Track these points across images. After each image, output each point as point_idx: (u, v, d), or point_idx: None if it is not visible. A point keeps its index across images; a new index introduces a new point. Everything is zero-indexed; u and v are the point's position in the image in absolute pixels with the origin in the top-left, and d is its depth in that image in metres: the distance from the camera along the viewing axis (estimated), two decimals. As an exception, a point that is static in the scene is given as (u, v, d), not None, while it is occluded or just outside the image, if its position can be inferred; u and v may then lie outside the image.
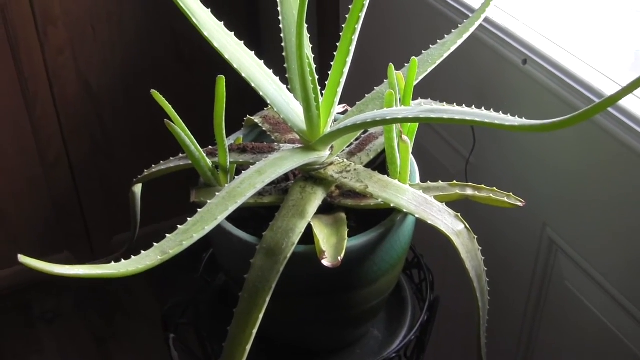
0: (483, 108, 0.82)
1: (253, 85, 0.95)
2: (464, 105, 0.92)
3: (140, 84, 1.95)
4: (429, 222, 0.93)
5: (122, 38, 1.92)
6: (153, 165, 1.11)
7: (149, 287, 2.20)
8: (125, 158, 2.06)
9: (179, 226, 0.83)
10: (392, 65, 0.94)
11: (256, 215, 1.03)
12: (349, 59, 0.93)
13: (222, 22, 0.95)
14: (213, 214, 0.85)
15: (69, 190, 2.07)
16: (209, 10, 0.93)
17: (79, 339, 2.12)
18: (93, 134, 2.01)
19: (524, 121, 0.72)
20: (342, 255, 0.88)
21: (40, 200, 2.05)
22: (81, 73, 1.91)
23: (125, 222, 1.19)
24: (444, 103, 1.15)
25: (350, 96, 1.11)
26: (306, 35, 1.01)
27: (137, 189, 1.14)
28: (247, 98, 0.96)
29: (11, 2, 1.75)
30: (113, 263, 0.76)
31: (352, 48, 0.93)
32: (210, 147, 1.06)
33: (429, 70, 1.05)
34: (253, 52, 0.98)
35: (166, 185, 1.52)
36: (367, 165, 1.05)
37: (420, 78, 1.05)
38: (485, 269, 0.96)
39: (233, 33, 0.96)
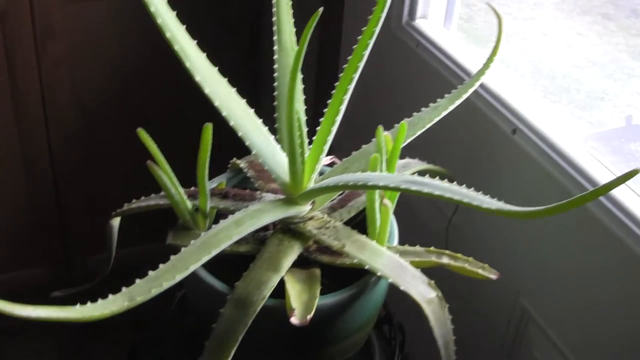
0: (468, 176, 0.82)
1: (240, 134, 0.95)
2: (453, 174, 0.92)
3: (134, 108, 1.95)
4: (402, 287, 0.92)
5: (121, 59, 1.92)
6: (134, 200, 1.10)
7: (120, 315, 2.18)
8: (112, 180, 2.05)
9: (149, 272, 0.83)
10: (380, 128, 0.94)
11: (231, 262, 1.02)
12: (339, 118, 0.94)
13: (217, 68, 0.95)
14: (185, 263, 0.85)
15: (51, 206, 2.05)
16: (204, 55, 0.93)
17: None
18: (82, 153, 2.00)
19: (501, 205, 0.72)
20: (312, 314, 0.88)
21: (21, 213, 2.04)
22: (76, 91, 1.90)
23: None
24: (430, 165, 1.16)
25: (342, 145, 1.11)
26: (299, 88, 1.02)
27: (115, 222, 1.14)
28: (237, 139, 0.96)
29: (13, 11, 1.74)
30: (79, 306, 0.75)
31: (343, 107, 0.93)
32: (193, 188, 1.05)
33: (418, 133, 1.06)
34: (244, 100, 0.98)
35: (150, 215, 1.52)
36: (348, 222, 1.05)
37: (409, 140, 1.05)
38: (454, 337, 0.95)
39: (227, 79, 0.96)
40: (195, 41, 0.92)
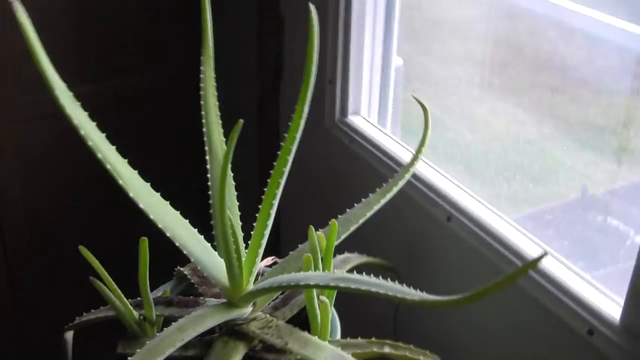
0: (407, 265, 0.85)
1: (177, 244, 0.99)
2: (394, 269, 0.95)
3: (84, 220, 1.98)
4: (345, 380, 0.95)
5: (71, 178, 1.95)
6: (84, 313, 1.13)
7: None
8: (68, 292, 2.06)
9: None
10: (312, 228, 0.98)
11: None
12: (270, 222, 0.98)
13: (150, 183, 0.99)
14: (132, 373, 0.87)
15: (9, 323, 2.06)
16: (136, 172, 0.97)
17: None
18: (39, 267, 2.02)
19: (424, 296, 0.76)
20: (257, 415, 0.90)
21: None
22: (29, 209, 1.93)
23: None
24: (370, 258, 1.20)
25: (285, 242, 1.15)
26: (232, 194, 1.06)
27: (69, 335, 1.16)
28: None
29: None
30: None
31: (273, 212, 0.97)
32: (139, 298, 1.08)
33: (352, 229, 1.09)
34: (178, 212, 1.02)
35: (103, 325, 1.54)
36: (292, 319, 1.08)
37: (343, 237, 1.09)
38: None
39: (159, 194, 1.00)
40: (127, 160, 0.96)
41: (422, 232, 1.27)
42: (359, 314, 1.17)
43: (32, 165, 1.90)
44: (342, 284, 0.84)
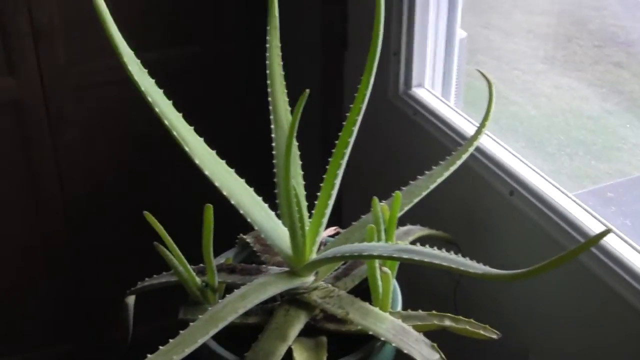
0: (468, 239, 0.85)
1: (241, 211, 0.99)
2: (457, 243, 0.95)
3: (147, 193, 1.99)
4: (405, 351, 0.95)
5: (131, 145, 1.96)
6: (146, 279, 1.14)
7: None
8: (127, 258, 2.09)
9: (160, 347, 0.87)
10: (376, 199, 0.98)
11: (241, 333, 1.05)
12: (334, 192, 0.98)
13: (215, 151, 1.00)
14: (194, 337, 0.89)
15: (69, 286, 2.09)
16: (202, 139, 0.98)
17: None
18: (99, 233, 2.04)
19: (487, 270, 0.75)
20: (319, 381, 0.91)
21: (39, 293, 2.07)
22: (92, 174, 1.95)
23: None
24: (432, 230, 1.19)
25: (350, 208, 1.14)
26: (297, 163, 1.06)
27: (130, 300, 1.18)
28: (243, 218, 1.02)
29: (27, 99, 1.80)
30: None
31: (337, 181, 0.97)
32: (201, 265, 1.09)
33: (415, 201, 1.09)
34: (243, 179, 1.02)
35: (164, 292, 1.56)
36: (353, 290, 1.08)
37: (406, 209, 1.08)
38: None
39: (225, 161, 1.01)
40: (193, 127, 0.97)
41: (484, 206, 1.26)
42: (419, 288, 1.17)
43: (94, 131, 1.92)
44: (405, 255, 0.84)
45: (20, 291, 2.06)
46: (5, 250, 1.97)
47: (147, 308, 1.29)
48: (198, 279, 1.06)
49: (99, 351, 2.16)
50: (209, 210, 0.95)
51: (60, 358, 2.16)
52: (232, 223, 1.18)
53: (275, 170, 1.06)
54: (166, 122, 0.93)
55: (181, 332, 0.90)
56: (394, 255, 0.85)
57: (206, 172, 0.95)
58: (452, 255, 0.81)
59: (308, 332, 1.02)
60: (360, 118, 0.96)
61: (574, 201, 1.13)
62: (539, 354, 1.19)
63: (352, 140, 0.95)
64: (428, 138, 1.37)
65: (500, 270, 0.75)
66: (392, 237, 1.01)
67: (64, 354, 2.18)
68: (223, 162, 1.00)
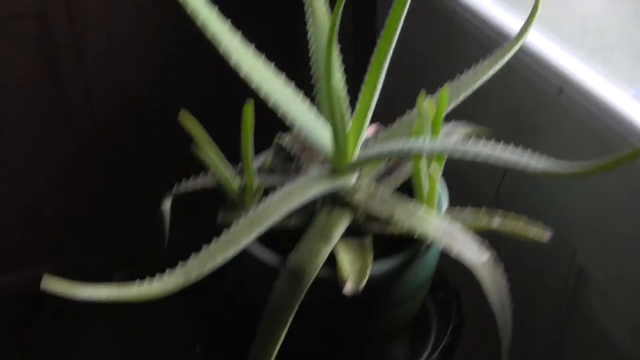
0: (514, 138, 0.81)
1: (280, 112, 0.96)
2: (497, 138, 0.91)
3: (175, 93, 1.97)
4: (454, 251, 0.92)
5: (163, 51, 1.93)
6: (184, 179, 1.11)
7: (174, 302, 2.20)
8: (160, 165, 2.07)
9: (204, 245, 0.85)
10: (423, 94, 0.94)
11: (281, 236, 1.03)
12: (378, 88, 0.94)
13: (253, 46, 0.96)
14: (237, 238, 0.86)
15: (104, 193, 2.09)
16: (239, 35, 0.94)
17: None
18: (130, 142, 2.03)
19: (546, 166, 0.71)
20: (365, 281, 0.88)
21: (74, 200, 2.07)
22: (118, 80, 1.93)
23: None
24: (477, 127, 1.15)
25: (386, 111, 1.11)
26: (337, 58, 1.02)
27: (167, 204, 1.15)
28: (277, 118, 0.98)
29: (51, 9, 1.77)
30: (136, 286, 0.77)
31: (381, 77, 0.93)
32: (238, 166, 1.06)
33: (462, 97, 1.05)
34: (283, 75, 0.99)
35: (198, 198, 1.53)
36: (397, 190, 1.05)
37: (452, 106, 1.04)
38: (510, 298, 0.95)
39: (272, 61, 0.97)
40: (229, 22, 0.93)
41: (529, 105, 1.21)
42: (459, 190, 1.13)
43: (117, 40, 1.89)
44: (457, 153, 0.80)
45: (52, 203, 2.06)
46: (35, 161, 1.96)
47: (182, 216, 1.27)
48: (237, 181, 1.03)
49: (135, 261, 2.17)
50: (249, 107, 0.91)
51: (94, 268, 2.17)
52: (267, 127, 1.15)
53: (313, 67, 1.02)
54: (200, 18, 0.89)
55: (224, 232, 0.87)
56: (447, 152, 0.81)
57: (243, 70, 0.91)
58: (508, 152, 0.77)
59: (352, 233, 0.99)
60: (404, 14, 0.91)
61: (630, 100, 1.08)
62: (587, 254, 1.16)
63: (395, 37, 0.90)
64: (470, 37, 1.32)
65: (561, 168, 0.71)
66: (438, 134, 0.97)
67: (98, 265, 2.18)
68: (261, 58, 0.96)
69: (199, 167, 1.10)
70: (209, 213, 1.08)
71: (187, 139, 0.98)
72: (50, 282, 0.69)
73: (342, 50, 1.04)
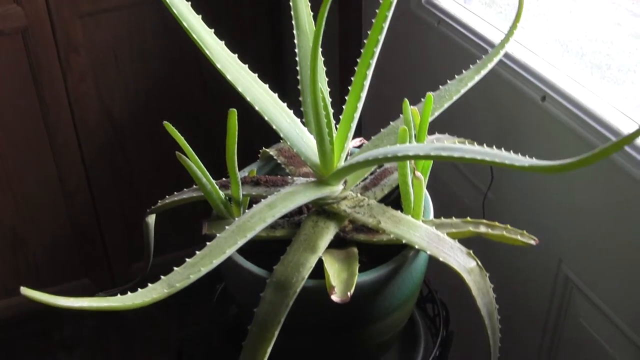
0: (499, 147, 0.81)
1: (266, 118, 0.95)
2: (483, 145, 0.91)
3: (162, 112, 1.96)
4: (441, 259, 0.92)
5: (145, 66, 1.93)
6: (167, 196, 1.11)
7: (167, 312, 2.20)
8: (146, 186, 2.07)
9: (187, 259, 0.84)
10: (407, 101, 0.94)
11: (268, 248, 1.02)
12: (363, 94, 0.93)
13: (236, 55, 0.95)
14: (222, 248, 0.85)
15: (90, 217, 2.07)
16: (223, 42, 0.94)
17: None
18: (114, 162, 2.02)
19: (534, 162, 0.71)
20: (352, 291, 0.87)
21: (60, 226, 2.06)
22: (103, 101, 1.92)
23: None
24: (461, 139, 1.15)
25: (370, 128, 1.11)
26: (322, 68, 1.02)
27: (151, 219, 1.14)
28: (266, 129, 0.97)
29: (33, 28, 1.76)
30: (119, 295, 0.76)
31: (367, 83, 0.93)
32: (224, 179, 1.06)
33: (446, 106, 1.05)
34: (267, 85, 0.98)
35: (184, 214, 1.52)
36: (382, 200, 1.04)
37: (437, 114, 1.04)
38: (497, 306, 0.95)
39: (255, 72, 0.96)
40: (213, 30, 0.93)
41: (514, 112, 1.21)
42: (444, 203, 1.13)
43: (103, 57, 1.88)
44: (444, 153, 0.79)
45: (41, 228, 2.04)
46: (22, 186, 1.95)
47: (169, 228, 1.26)
48: (221, 193, 1.02)
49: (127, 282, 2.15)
50: (233, 115, 0.91)
51: (89, 289, 2.16)
52: (253, 143, 1.14)
53: (299, 77, 1.02)
54: (185, 24, 0.88)
55: (208, 243, 0.86)
56: (432, 154, 0.80)
57: (228, 77, 0.91)
58: (494, 150, 0.77)
59: (338, 244, 0.98)
60: (386, 25, 0.90)
61: (608, 103, 1.08)
62: (572, 261, 1.16)
63: (378, 48, 0.90)
64: (454, 47, 1.32)
65: (546, 162, 0.70)
66: (424, 140, 0.97)
67: (94, 285, 2.17)
68: (245, 66, 0.95)
69: (180, 186, 1.10)
70: (195, 225, 1.07)
71: (173, 156, 0.98)
72: (31, 291, 0.68)
73: (327, 63, 1.04)
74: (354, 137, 1.13)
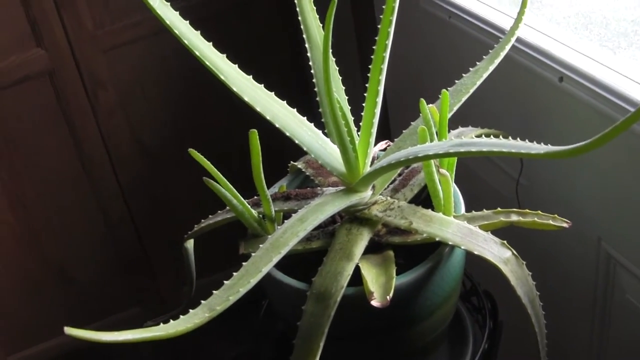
0: (522, 132, 0.81)
1: (287, 134, 0.97)
2: (507, 133, 0.92)
3: (193, 135, 1.99)
4: (476, 252, 0.92)
5: (171, 93, 1.95)
6: (202, 220, 1.12)
7: (216, 334, 2.21)
8: (185, 209, 2.09)
9: (225, 282, 0.85)
10: (423, 101, 0.95)
11: (307, 260, 1.03)
12: (379, 99, 0.94)
13: (251, 76, 0.97)
14: (257, 266, 0.86)
15: (135, 246, 2.10)
16: (236, 65, 0.95)
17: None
18: (151, 190, 2.04)
19: (549, 148, 0.72)
20: (391, 294, 0.88)
21: (107, 259, 2.09)
22: (134, 132, 1.95)
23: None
24: (484, 130, 1.16)
25: (398, 128, 1.12)
26: (337, 78, 1.03)
27: (189, 244, 1.16)
28: (290, 147, 0.99)
29: (59, 69, 1.79)
30: (162, 324, 0.77)
31: (381, 88, 0.94)
32: (256, 197, 1.07)
33: (463, 99, 1.05)
34: (284, 101, 1.00)
35: (223, 234, 1.54)
36: (412, 200, 1.05)
37: (455, 109, 1.05)
38: (538, 293, 0.95)
39: (263, 85, 0.98)
40: (225, 54, 0.94)
41: (532, 96, 1.21)
42: (479, 195, 1.13)
43: (130, 88, 1.91)
44: (462, 149, 0.80)
45: (88, 262, 2.07)
46: (61, 219, 1.98)
47: (210, 251, 1.28)
48: (254, 211, 1.04)
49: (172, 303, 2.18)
50: (254, 135, 0.92)
51: (139, 319, 2.18)
52: (282, 155, 1.16)
53: (315, 89, 1.03)
54: (197, 53, 0.90)
55: (244, 264, 0.88)
56: (451, 151, 0.81)
57: (245, 99, 0.93)
58: (510, 141, 0.78)
59: (373, 249, 0.99)
60: (394, 19, 0.91)
61: (626, 77, 1.08)
62: (611, 239, 1.15)
63: (389, 42, 0.91)
64: (467, 39, 1.32)
65: (561, 147, 0.71)
66: (446, 137, 0.98)
67: (144, 314, 2.19)
68: (261, 86, 0.97)
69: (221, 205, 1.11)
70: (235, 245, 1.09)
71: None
72: (75, 330, 0.70)
73: (349, 69, 1.05)
74: (381, 139, 1.14)
